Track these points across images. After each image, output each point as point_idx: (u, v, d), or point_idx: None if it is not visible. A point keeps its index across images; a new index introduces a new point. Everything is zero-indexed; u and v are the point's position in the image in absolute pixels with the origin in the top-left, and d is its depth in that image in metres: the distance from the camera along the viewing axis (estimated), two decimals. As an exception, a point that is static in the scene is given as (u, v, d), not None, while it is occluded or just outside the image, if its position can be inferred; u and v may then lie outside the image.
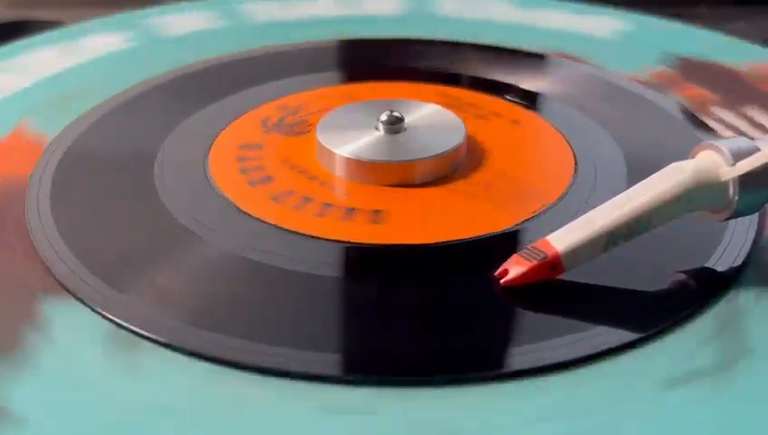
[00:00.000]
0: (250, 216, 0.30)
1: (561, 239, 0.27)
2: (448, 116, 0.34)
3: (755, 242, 0.29)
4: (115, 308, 0.26)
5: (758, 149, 0.27)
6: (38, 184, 0.32)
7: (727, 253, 0.29)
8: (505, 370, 0.25)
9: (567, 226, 0.27)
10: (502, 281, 0.27)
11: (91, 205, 0.31)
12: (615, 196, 0.27)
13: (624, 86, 0.39)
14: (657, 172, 0.27)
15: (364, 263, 0.29)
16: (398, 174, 0.32)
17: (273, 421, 0.23)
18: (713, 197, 0.27)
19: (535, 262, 0.27)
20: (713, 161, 0.27)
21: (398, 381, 0.24)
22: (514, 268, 0.27)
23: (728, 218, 0.28)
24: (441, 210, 0.30)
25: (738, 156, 0.27)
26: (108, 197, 0.31)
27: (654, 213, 0.27)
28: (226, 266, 0.28)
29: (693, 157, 0.28)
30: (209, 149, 0.34)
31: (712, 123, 0.36)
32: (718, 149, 0.27)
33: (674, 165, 0.27)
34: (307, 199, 0.31)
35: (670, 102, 0.37)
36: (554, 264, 0.26)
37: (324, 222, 0.30)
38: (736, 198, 0.27)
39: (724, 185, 0.27)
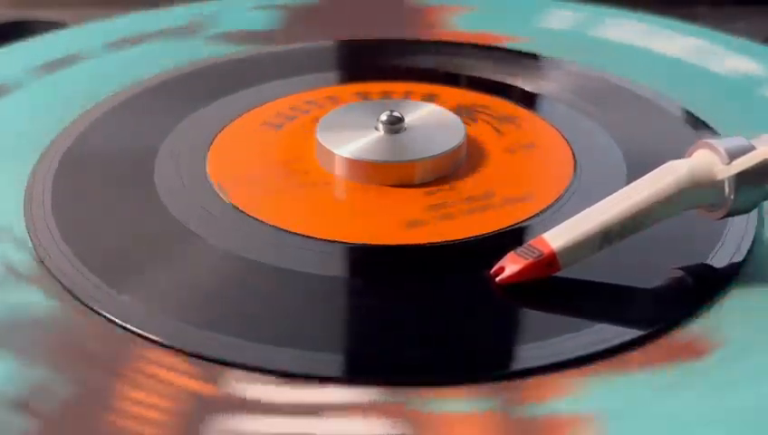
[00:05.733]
0: (250, 216, 0.30)
1: (557, 237, 0.27)
2: (448, 116, 0.34)
3: (755, 239, 0.29)
4: (115, 308, 0.26)
5: (754, 148, 0.27)
6: (38, 184, 0.32)
7: (727, 250, 0.29)
8: (505, 370, 0.25)
9: (563, 223, 0.27)
10: (498, 279, 0.27)
11: (91, 205, 0.31)
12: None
13: (624, 86, 0.39)
14: (653, 171, 0.27)
15: (364, 263, 0.29)
16: (398, 174, 0.32)
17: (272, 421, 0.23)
18: (709, 195, 0.27)
19: (531, 260, 0.27)
20: (709, 160, 0.27)
21: (397, 381, 0.24)
22: (510, 266, 0.27)
23: (724, 217, 0.28)
24: (441, 210, 0.31)
25: (734, 154, 0.27)
26: (108, 196, 0.31)
27: (649, 212, 0.27)
28: (226, 266, 0.28)
29: (689, 156, 0.28)
30: (209, 149, 0.34)
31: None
32: (714, 148, 0.27)
33: (670, 163, 0.27)
34: (307, 200, 0.31)
35: (670, 102, 0.37)
36: (550, 261, 0.27)
37: (324, 222, 0.30)
38: (732, 196, 0.27)
39: (720, 184, 0.27)
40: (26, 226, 0.30)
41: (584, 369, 0.25)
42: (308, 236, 0.29)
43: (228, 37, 0.43)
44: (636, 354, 0.25)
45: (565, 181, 0.32)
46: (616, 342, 0.25)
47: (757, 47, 0.42)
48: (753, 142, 0.28)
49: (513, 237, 0.29)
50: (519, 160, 0.34)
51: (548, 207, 0.31)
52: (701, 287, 0.28)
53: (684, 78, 0.40)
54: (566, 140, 0.35)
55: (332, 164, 0.32)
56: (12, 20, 0.48)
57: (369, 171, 0.32)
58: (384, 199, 0.31)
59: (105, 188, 0.32)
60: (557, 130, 0.35)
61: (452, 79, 0.39)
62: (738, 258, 0.28)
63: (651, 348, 0.25)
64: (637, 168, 0.30)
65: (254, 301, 0.27)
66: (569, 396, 0.24)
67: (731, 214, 0.28)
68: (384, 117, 0.33)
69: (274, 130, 0.35)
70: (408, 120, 0.33)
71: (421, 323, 0.26)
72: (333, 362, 0.25)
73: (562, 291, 0.27)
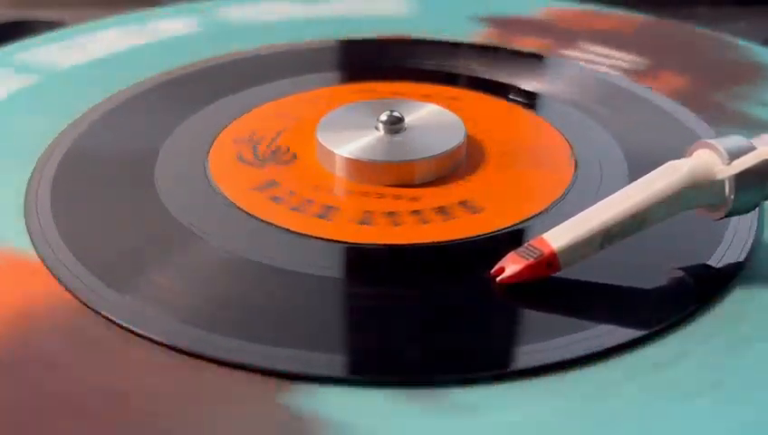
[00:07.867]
0: (250, 216, 0.30)
1: (558, 237, 0.27)
2: (448, 116, 0.34)
3: (755, 239, 0.29)
4: (115, 308, 0.26)
5: (754, 148, 0.27)
6: (38, 184, 0.32)
7: (727, 251, 0.29)
8: (505, 370, 0.25)
9: (563, 223, 0.27)
10: (498, 279, 0.27)
11: (90, 205, 0.31)
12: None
13: (624, 86, 0.39)
14: (654, 171, 0.27)
15: (364, 263, 0.29)
16: (398, 174, 0.32)
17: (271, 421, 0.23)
18: (709, 195, 0.27)
19: (531, 260, 0.27)
20: (709, 160, 0.27)
21: (397, 381, 0.24)
22: (510, 266, 0.27)
23: (724, 217, 0.28)
24: (441, 211, 0.31)
25: (734, 154, 0.27)
26: (108, 197, 0.31)
27: (650, 211, 0.27)
28: (226, 266, 0.28)
29: (689, 155, 0.28)
30: (209, 149, 0.34)
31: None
32: (714, 148, 0.27)
33: (670, 163, 0.27)
34: (307, 200, 0.31)
35: (670, 101, 0.37)
36: (550, 261, 0.26)
37: (324, 222, 0.30)
38: (732, 196, 0.27)
39: (720, 183, 0.27)
40: (26, 226, 0.30)
41: (584, 369, 0.25)
42: (308, 236, 0.29)
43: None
44: (636, 355, 0.25)
45: (565, 181, 0.32)
46: (616, 342, 0.25)
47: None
48: (754, 142, 0.28)
49: (513, 237, 0.29)
50: (519, 160, 0.34)
51: (548, 207, 0.31)
52: (701, 287, 0.28)
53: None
54: (566, 139, 0.35)
55: (332, 164, 0.32)
56: (12, 20, 0.48)
57: (369, 171, 0.32)
58: (384, 199, 0.31)
59: (105, 188, 0.32)
60: (557, 129, 0.35)
61: (451, 79, 0.39)
62: (738, 258, 0.28)
63: (651, 349, 0.25)
64: (637, 167, 0.30)
65: (254, 301, 0.27)
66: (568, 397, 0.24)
67: (731, 214, 0.28)
68: (384, 117, 0.33)
69: (275, 129, 0.35)
70: (407, 120, 0.33)
71: (421, 323, 0.26)
72: (333, 362, 0.25)
73: (563, 291, 0.27)
